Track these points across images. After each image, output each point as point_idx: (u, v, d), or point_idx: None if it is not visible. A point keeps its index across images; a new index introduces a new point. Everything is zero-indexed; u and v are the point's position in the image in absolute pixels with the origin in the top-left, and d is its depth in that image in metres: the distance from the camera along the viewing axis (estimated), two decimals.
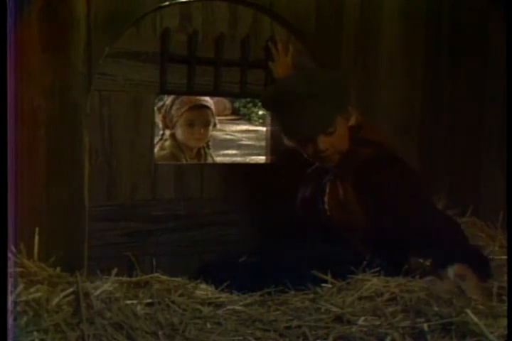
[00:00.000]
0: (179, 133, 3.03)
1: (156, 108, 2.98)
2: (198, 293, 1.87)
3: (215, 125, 3.15)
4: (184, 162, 3.00)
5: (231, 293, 1.93)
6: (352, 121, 2.20)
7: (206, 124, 3.05)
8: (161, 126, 3.09)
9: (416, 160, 2.95)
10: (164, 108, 3.06)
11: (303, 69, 2.53)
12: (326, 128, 2.12)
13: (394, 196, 2.05)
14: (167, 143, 3.06)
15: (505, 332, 1.53)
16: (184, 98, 3.00)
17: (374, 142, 2.20)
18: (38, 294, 1.65)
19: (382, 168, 2.11)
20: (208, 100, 3.08)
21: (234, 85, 2.54)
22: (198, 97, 2.99)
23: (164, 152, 3.03)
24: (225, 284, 1.97)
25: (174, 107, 3.02)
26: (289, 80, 2.26)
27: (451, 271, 1.83)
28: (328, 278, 1.92)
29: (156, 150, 2.89)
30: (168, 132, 3.07)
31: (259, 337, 1.62)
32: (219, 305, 1.82)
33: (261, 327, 1.67)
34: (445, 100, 2.95)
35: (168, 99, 3.06)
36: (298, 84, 2.13)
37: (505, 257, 2.31)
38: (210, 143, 3.21)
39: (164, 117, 3.06)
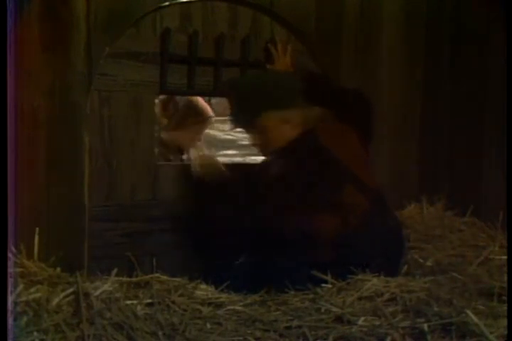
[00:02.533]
0: (176, 135, 3.05)
1: (157, 101, 3.02)
2: (198, 293, 1.87)
3: None
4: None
5: (230, 294, 1.93)
6: (294, 123, 2.24)
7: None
8: (162, 121, 3.11)
9: (416, 160, 2.96)
10: (174, 108, 3.09)
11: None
12: (247, 125, 2.32)
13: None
14: None
15: (505, 333, 1.53)
16: (199, 106, 3.04)
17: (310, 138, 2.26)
18: (38, 294, 1.65)
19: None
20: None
21: None
22: (210, 110, 3.04)
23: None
24: (225, 284, 1.97)
25: (192, 114, 3.06)
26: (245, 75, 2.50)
27: None
28: (328, 278, 1.92)
29: None
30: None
31: (259, 337, 1.62)
32: (219, 306, 1.82)
33: (261, 328, 1.67)
34: (445, 100, 2.95)
35: (181, 101, 3.08)
36: (244, 79, 2.42)
37: (505, 257, 2.31)
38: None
39: (171, 116, 3.09)
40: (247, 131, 2.38)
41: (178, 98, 3.12)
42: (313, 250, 2.07)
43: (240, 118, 2.34)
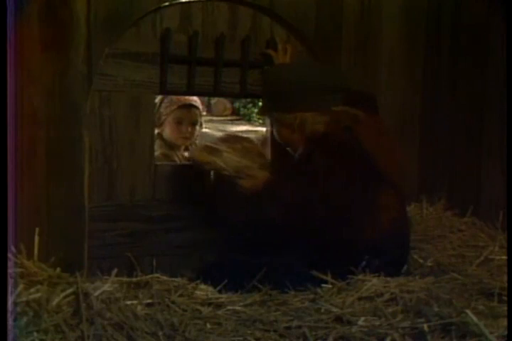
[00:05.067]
0: (166, 131, 3.07)
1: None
2: (198, 293, 1.87)
3: (201, 125, 3.21)
4: (178, 161, 3.02)
5: (232, 293, 1.93)
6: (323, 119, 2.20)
7: (193, 123, 3.10)
8: None
9: (416, 160, 2.96)
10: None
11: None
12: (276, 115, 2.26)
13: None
14: (156, 143, 3.08)
15: (506, 333, 1.53)
16: (173, 97, 3.02)
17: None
18: (38, 294, 1.65)
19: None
20: (196, 100, 3.12)
21: (234, 85, 2.54)
22: (187, 97, 3.02)
23: (156, 153, 3.05)
24: (223, 284, 1.97)
25: (163, 105, 3.05)
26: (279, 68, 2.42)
27: None
28: (328, 278, 1.92)
29: None
30: (155, 131, 3.10)
31: (259, 337, 1.62)
32: (219, 306, 1.82)
33: (261, 328, 1.67)
34: (445, 100, 2.95)
35: (157, 98, 3.08)
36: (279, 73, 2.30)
37: (505, 257, 2.31)
38: (197, 143, 3.24)
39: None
40: (280, 122, 2.28)
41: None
42: (344, 249, 2.07)
43: (281, 105, 2.23)
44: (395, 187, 2.17)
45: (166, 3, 2.35)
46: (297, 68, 2.32)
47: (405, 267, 2.22)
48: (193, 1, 2.42)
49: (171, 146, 3.07)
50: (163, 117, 3.05)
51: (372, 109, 2.32)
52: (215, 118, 12.47)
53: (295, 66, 2.40)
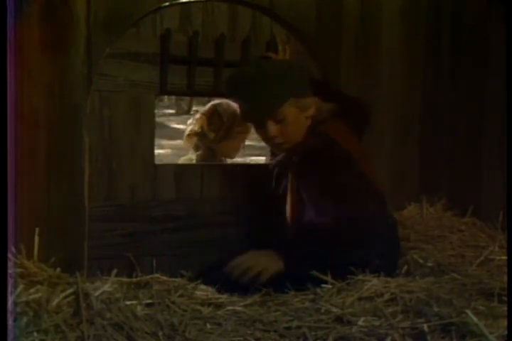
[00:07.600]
0: (226, 144, 3.16)
1: (202, 114, 3.16)
2: (198, 293, 1.87)
3: None
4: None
5: (231, 294, 1.93)
6: (309, 113, 2.21)
7: None
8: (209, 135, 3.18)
9: (416, 160, 2.96)
10: (219, 121, 3.13)
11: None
12: (269, 115, 2.16)
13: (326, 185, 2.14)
14: (195, 142, 3.21)
15: (506, 333, 1.53)
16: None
17: (323, 133, 2.20)
18: (38, 295, 1.65)
19: (316, 156, 2.16)
20: None
21: None
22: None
23: (200, 152, 3.17)
24: (222, 284, 1.97)
25: (236, 124, 3.12)
26: (245, 67, 2.40)
27: None
28: (328, 278, 1.92)
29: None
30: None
31: (259, 337, 1.62)
32: (219, 306, 1.82)
33: (261, 328, 1.67)
34: (445, 100, 2.95)
35: (225, 114, 3.13)
36: (249, 70, 2.26)
37: (505, 257, 2.31)
38: None
39: (218, 129, 3.15)
40: (262, 126, 2.20)
41: (221, 111, 3.15)
42: (319, 247, 2.09)
43: (260, 110, 2.16)
44: (380, 194, 2.21)
45: (166, 3, 2.35)
46: (246, 79, 2.21)
47: (405, 267, 2.22)
48: (193, 1, 2.42)
49: (217, 157, 3.16)
50: (233, 135, 3.16)
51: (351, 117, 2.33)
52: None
53: (244, 79, 2.23)
